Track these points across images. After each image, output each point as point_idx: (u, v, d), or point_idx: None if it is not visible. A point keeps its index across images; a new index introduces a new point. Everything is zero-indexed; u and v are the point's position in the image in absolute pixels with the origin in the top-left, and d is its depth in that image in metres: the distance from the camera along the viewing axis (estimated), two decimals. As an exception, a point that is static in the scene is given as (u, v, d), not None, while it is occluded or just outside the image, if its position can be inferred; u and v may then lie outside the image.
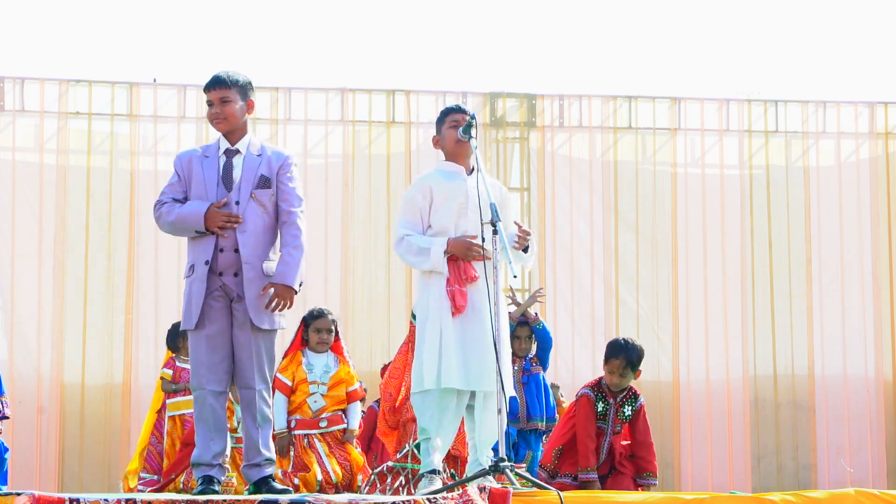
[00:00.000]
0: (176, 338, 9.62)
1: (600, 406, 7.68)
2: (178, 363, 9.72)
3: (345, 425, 8.42)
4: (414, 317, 7.75)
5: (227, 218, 6.32)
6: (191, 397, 9.32)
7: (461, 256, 6.52)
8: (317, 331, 8.52)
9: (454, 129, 6.70)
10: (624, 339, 7.81)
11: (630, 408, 7.71)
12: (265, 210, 6.43)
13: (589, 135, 11.42)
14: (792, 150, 11.59)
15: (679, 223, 11.38)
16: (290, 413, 8.45)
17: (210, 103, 6.47)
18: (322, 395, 8.41)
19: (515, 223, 6.67)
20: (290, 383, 8.43)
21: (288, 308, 6.36)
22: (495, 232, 6.39)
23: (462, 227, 6.59)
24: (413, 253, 6.57)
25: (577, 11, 20.47)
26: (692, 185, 11.45)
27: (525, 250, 6.67)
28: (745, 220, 11.44)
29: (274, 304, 6.29)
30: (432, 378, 6.46)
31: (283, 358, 8.50)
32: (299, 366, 8.47)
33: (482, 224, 6.47)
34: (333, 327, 8.54)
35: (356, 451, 8.48)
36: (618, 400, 7.70)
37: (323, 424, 8.36)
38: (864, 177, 11.57)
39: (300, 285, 6.38)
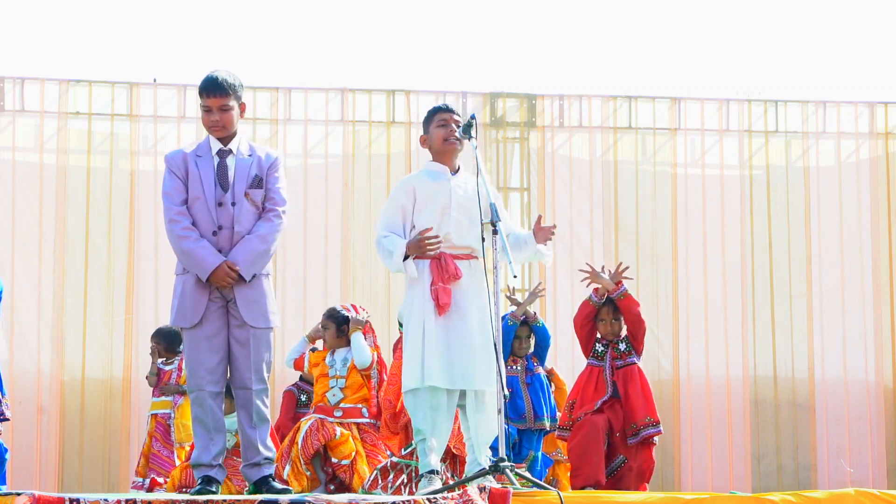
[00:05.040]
0: (177, 339, 9.70)
1: (599, 347, 8.07)
2: (163, 366, 9.78)
3: (363, 419, 8.47)
4: (400, 324, 7.81)
5: (232, 280, 6.33)
6: (169, 398, 9.59)
7: (419, 255, 6.52)
8: None
9: (441, 129, 6.72)
10: None
11: (624, 344, 8.03)
12: (257, 210, 6.46)
13: (589, 135, 11.42)
14: (792, 150, 11.59)
15: (679, 223, 11.37)
16: (312, 405, 8.63)
17: (208, 109, 6.46)
18: (340, 388, 8.48)
19: (539, 216, 6.81)
20: (307, 365, 8.77)
21: (223, 286, 6.34)
22: (495, 232, 6.40)
23: (445, 227, 6.58)
24: (385, 255, 6.59)
25: (577, 11, 20.47)
26: (692, 186, 11.44)
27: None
28: (745, 220, 11.44)
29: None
30: (416, 376, 6.48)
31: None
32: (322, 360, 8.62)
33: (482, 224, 6.47)
34: (331, 323, 8.63)
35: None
36: (613, 341, 8.03)
37: (338, 414, 8.40)
38: (864, 177, 11.57)
39: (253, 277, 6.37)
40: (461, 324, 6.48)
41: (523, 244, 6.80)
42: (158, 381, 9.76)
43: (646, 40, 20.44)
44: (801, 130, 11.59)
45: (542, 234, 6.78)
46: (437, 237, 6.48)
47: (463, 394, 6.60)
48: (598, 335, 8.07)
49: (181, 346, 9.77)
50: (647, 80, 19.38)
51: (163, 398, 9.72)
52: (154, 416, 9.74)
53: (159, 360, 9.81)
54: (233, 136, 6.50)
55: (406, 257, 6.51)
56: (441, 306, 6.45)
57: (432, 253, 6.48)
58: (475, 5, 20.18)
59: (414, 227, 6.62)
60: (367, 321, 8.66)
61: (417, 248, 6.49)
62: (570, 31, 20.91)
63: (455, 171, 6.72)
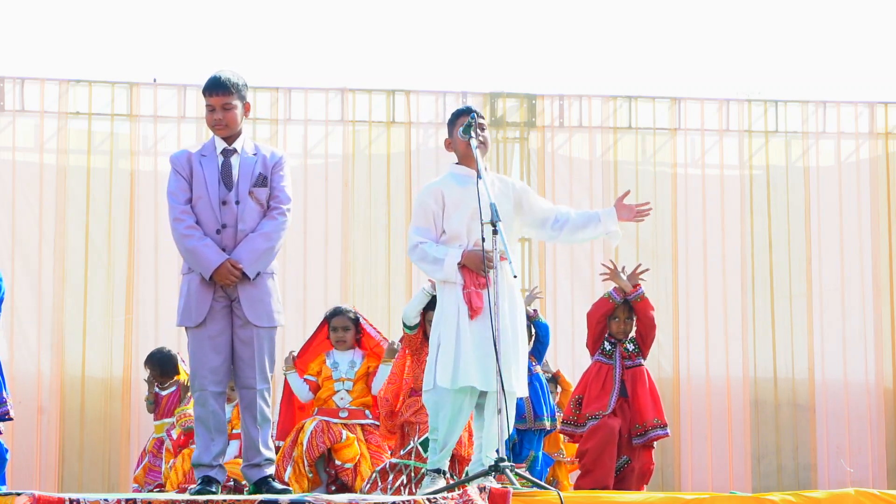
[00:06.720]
0: (170, 364, 9.64)
1: (608, 346, 8.03)
2: (160, 391, 9.72)
3: (366, 420, 8.45)
4: (405, 325, 7.82)
5: (235, 278, 6.32)
6: (167, 420, 9.53)
7: (473, 269, 6.54)
8: (334, 329, 8.62)
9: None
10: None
11: (632, 344, 8.03)
12: (262, 209, 6.46)
13: (589, 135, 11.42)
14: (792, 150, 11.59)
15: (679, 223, 11.37)
16: (314, 405, 8.57)
17: (211, 108, 6.47)
18: (347, 390, 8.45)
19: (628, 191, 6.95)
20: (316, 380, 8.55)
21: (227, 284, 6.34)
22: (495, 232, 6.40)
23: (475, 231, 6.58)
24: (428, 262, 6.61)
25: (577, 11, 20.48)
26: (692, 186, 11.44)
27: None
28: (745, 220, 11.44)
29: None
30: (447, 377, 6.48)
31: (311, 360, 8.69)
32: (323, 364, 8.54)
33: (482, 224, 6.48)
34: (352, 324, 8.59)
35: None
36: (621, 340, 8.02)
37: (343, 415, 8.38)
38: (864, 177, 11.57)
39: (258, 275, 6.37)
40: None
41: (591, 221, 6.89)
42: (157, 407, 9.69)
43: (646, 40, 20.45)
44: (801, 130, 11.59)
45: (626, 211, 6.85)
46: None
47: (482, 393, 6.61)
48: (608, 332, 8.07)
49: (174, 370, 9.73)
50: (647, 80, 19.37)
51: (162, 420, 9.66)
52: (154, 438, 9.69)
53: (156, 387, 9.73)
54: (237, 135, 6.51)
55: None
56: (474, 310, 6.48)
57: (485, 272, 6.54)
58: (475, 5, 20.19)
59: (444, 232, 6.64)
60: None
61: (480, 263, 6.50)
62: (570, 31, 20.92)
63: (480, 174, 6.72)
